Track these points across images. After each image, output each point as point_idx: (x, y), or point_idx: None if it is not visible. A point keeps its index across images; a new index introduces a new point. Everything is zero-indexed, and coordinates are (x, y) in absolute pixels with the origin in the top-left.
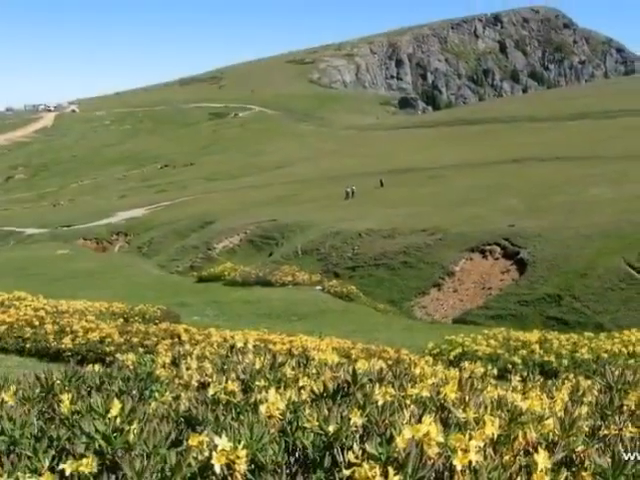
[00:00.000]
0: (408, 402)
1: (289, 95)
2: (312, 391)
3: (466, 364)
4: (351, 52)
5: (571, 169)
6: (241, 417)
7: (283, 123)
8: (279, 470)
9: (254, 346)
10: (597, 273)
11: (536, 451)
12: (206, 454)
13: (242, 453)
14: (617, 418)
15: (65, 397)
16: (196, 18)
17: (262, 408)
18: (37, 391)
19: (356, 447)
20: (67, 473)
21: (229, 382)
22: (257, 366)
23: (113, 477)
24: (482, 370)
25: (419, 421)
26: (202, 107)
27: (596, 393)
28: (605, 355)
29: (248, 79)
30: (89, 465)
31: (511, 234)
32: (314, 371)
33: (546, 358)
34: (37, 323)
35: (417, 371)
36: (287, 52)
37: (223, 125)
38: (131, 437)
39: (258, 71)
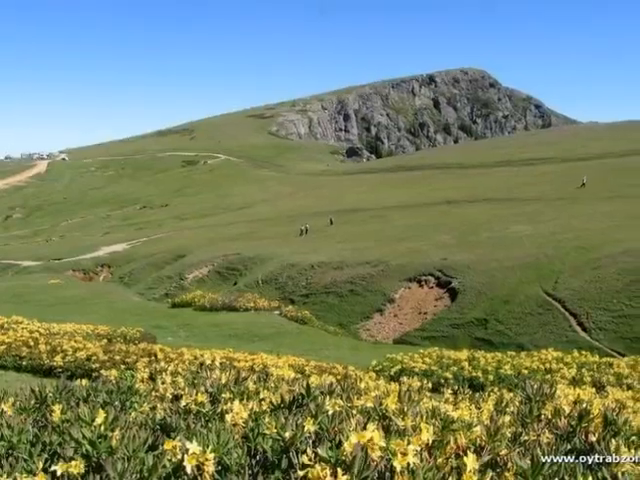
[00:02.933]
0: (354, 412)
1: (251, 145)
2: (271, 402)
3: (404, 379)
4: (304, 108)
5: (496, 209)
6: (209, 425)
7: (246, 169)
8: (242, 471)
9: (220, 363)
10: (518, 300)
11: (465, 454)
12: (179, 457)
13: (210, 456)
14: (536, 426)
15: (56, 407)
16: (171, 79)
17: (228, 417)
18: (32, 402)
19: (309, 451)
20: (58, 474)
21: (199, 394)
22: (223, 381)
23: (98, 477)
24: (418, 384)
25: (364, 428)
26: (176, 155)
27: (517, 404)
28: (525, 371)
29: (216, 131)
30: (77, 467)
31: (444, 266)
32: (273, 385)
33: (474, 374)
34: (32, 343)
35: (362, 385)
36: (249, 108)
37: (194, 171)
38: (114, 442)
39: (224, 124)
